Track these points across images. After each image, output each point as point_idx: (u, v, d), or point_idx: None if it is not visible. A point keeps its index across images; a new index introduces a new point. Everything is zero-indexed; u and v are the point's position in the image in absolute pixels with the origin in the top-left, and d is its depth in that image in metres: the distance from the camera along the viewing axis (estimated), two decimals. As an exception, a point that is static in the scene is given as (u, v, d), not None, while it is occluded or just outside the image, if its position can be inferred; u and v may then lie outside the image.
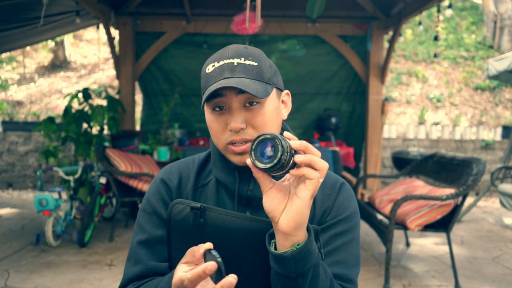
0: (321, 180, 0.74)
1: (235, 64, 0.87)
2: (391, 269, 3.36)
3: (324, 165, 0.73)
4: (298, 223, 0.74)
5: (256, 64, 0.88)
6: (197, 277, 0.72)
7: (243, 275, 0.87)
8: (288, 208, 0.75)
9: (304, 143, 0.73)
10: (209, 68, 0.89)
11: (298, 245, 0.76)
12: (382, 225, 3.08)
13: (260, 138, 0.74)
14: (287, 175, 0.78)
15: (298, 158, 0.72)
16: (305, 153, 0.74)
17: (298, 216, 0.74)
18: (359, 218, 0.98)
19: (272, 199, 0.76)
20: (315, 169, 0.73)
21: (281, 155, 0.71)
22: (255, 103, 0.87)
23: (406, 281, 3.22)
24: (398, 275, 3.33)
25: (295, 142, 0.73)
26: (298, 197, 0.74)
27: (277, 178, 0.80)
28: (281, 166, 0.72)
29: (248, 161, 0.75)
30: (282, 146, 0.71)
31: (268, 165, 0.72)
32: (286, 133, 0.75)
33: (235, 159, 0.90)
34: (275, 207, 0.76)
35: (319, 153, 0.74)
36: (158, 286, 0.84)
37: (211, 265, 0.71)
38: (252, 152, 0.74)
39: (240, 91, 0.85)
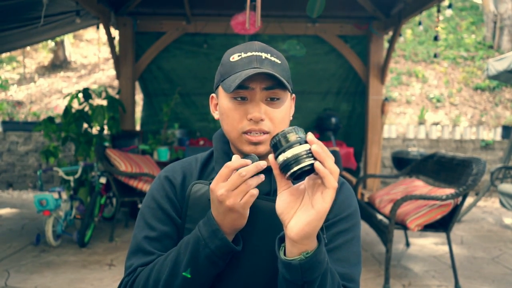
0: (335, 186, 0.71)
1: (263, 57, 0.89)
2: (391, 269, 3.36)
3: (333, 167, 0.71)
4: (308, 233, 0.72)
5: (280, 62, 0.92)
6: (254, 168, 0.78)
7: (256, 252, 0.89)
8: (299, 216, 0.73)
9: (319, 143, 0.72)
10: (235, 57, 0.91)
11: (307, 254, 0.74)
12: (382, 225, 3.08)
13: (279, 133, 0.73)
14: (305, 181, 0.76)
15: (313, 147, 0.71)
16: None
17: (309, 227, 0.72)
18: (359, 217, 0.99)
19: (283, 201, 0.76)
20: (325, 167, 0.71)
21: (294, 137, 0.72)
22: (276, 99, 0.90)
23: (406, 281, 3.22)
24: (398, 275, 3.34)
25: (311, 135, 0.73)
26: (313, 207, 0.72)
27: (295, 182, 0.79)
28: (294, 157, 0.70)
29: (270, 157, 0.75)
30: (297, 134, 0.72)
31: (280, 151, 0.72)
32: (309, 133, 0.74)
33: (248, 148, 0.91)
34: (285, 210, 0.75)
35: (333, 158, 0.73)
36: (181, 247, 0.85)
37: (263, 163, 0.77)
38: (272, 147, 0.74)
39: (266, 87, 0.88)
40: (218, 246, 0.81)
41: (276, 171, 0.75)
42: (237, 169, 0.79)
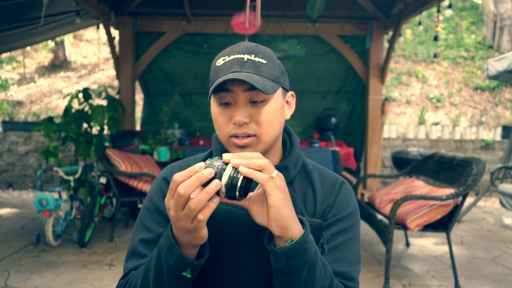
0: (273, 175, 0.75)
1: (245, 59, 0.88)
2: (391, 269, 3.36)
3: (260, 163, 0.74)
4: (283, 226, 0.76)
5: (265, 61, 0.89)
6: (185, 176, 0.73)
7: (248, 266, 0.91)
8: (269, 215, 0.77)
9: (235, 155, 0.76)
10: (219, 62, 0.90)
11: (291, 241, 0.77)
12: (382, 225, 3.08)
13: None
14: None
15: (232, 162, 0.74)
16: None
17: (279, 221, 0.76)
18: (359, 216, 0.99)
19: (254, 213, 0.79)
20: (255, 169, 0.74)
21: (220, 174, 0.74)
22: (259, 101, 0.88)
23: (406, 281, 3.22)
24: (398, 275, 3.34)
25: (226, 155, 0.76)
26: (270, 205, 0.76)
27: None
28: (231, 186, 0.73)
29: (219, 198, 0.76)
30: (217, 161, 0.75)
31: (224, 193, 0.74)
32: (224, 155, 0.77)
33: (236, 151, 0.91)
34: (260, 218, 0.79)
35: (256, 156, 0.76)
36: (152, 256, 0.84)
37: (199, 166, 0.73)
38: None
39: (247, 88, 0.86)
40: (176, 261, 0.78)
41: (229, 201, 0.77)
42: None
